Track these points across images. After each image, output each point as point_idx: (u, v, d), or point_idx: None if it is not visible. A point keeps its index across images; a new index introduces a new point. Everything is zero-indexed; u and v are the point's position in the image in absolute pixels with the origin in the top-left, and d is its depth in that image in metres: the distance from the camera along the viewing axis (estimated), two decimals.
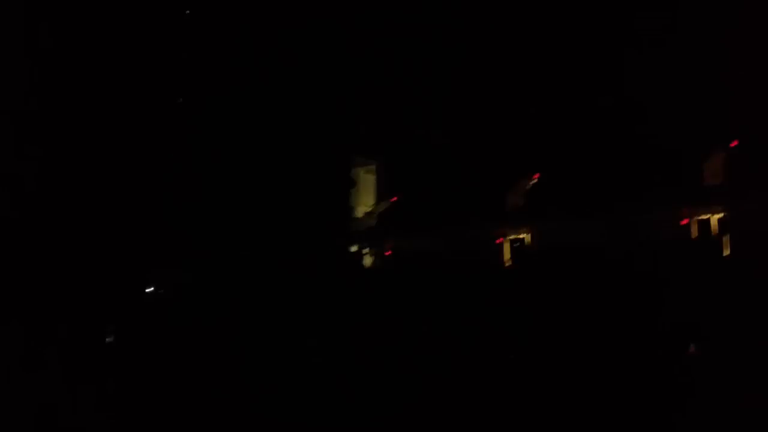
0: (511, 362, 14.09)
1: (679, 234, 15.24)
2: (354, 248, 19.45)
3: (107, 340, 15.02)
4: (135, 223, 16.73)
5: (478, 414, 12.41)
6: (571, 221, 16.51)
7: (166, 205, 17.01)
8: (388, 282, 17.45)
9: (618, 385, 12.40)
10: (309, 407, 12.85)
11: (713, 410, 11.09)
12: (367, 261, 19.43)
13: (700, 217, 15.28)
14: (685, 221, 15.34)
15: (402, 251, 18.91)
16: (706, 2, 15.27)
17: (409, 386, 13.31)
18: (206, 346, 14.48)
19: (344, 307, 15.66)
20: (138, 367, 14.01)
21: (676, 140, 15.34)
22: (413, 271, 17.36)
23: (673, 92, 15.67)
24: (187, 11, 18.04)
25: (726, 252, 14.67)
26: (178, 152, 17.52)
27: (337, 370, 13.98)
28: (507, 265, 17.59)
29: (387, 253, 19.26)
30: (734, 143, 15.02)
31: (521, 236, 17.63)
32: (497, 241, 17.66)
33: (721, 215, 15.11)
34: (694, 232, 15.32)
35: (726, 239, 14.77)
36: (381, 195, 20.23)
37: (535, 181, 17.56)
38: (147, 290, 16.64)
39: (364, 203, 20.35)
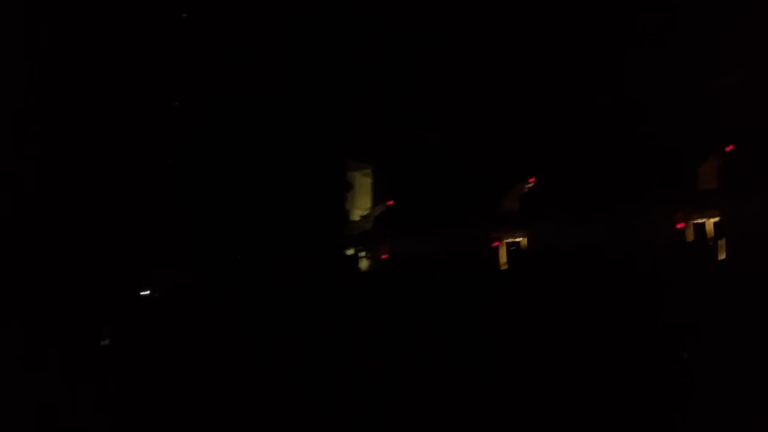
0: (508, 365, 14.09)
1: (675, 238, 15.29)
2: (350, 251, 19.48)
3: (106, 340, 14.99)
4: (133, 224, 16.72)
5: (476, 416, 12.42)
6: (567, 225, 16.54)
7: (164, 206, 17.00)
8: (385, 285, 17.45)
9: (614, 387, 12.42)
10: (306, 409, 12.85)
11: (709, 412, 11.13)
12: (363, 264, 19.44)
13: (696, 221, 15.33)
14: (680, 225, 15.39)
15: (398, 254, 18.93)
16: (701, 5, 15.34)
17: (406, 389, 13.31)
18: (203, 348, 14.47)
19: (340, 310, 15.65)
20: (137, 367, 14.00)
21: (672, 144, 15.39)
22: (409, 275, 17.36)
23: (668, 97, 15.72)
24: (184, 14, 18.04)
25: (722, 256, 14.72)
26: (176, 154, 17.52)
27: (334, 372, 13.98)
28: (503, 268, 17.62)
29: (383, 257, 19.28)
30: (730, 147, 15.08)
31: (517, 239, 17.67)
32: (493, 245, 17.69)
33: (716, 219, 15.17)
34: (690, 235, 15.37)
35: (722, 243, 14.82)
36: (377, 198, 20.27)
37: (531, 184, 17.60)
38: (144, 292, 16.63)
39: (360, 206, 20.38)
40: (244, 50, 18.09)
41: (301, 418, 12.72)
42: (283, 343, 14.74)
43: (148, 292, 16.79)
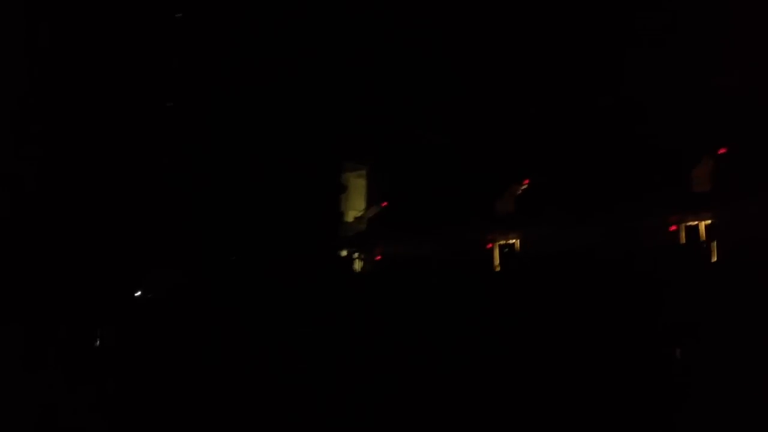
0: (502, 365, 14.11)
1: (668, 240, 15.33)
2: (344, 253, 19.49)
3: (104, 340, 14.99)
4: (130, 224, 16.72)
5: (469, 416, 12.43)
6: (560, 226, 16.56)
7: (160, 207, 17.01)
8: (378, 286, 17.46)
9: (606, 387, 12.44)
10: (300, 407, 12.85)
11: (703, 410, 11.16)
12: (357, 265, 19.45)
13: (689, 224, 15.37)
14: (673, 228, 15.43)
15: (392, 256, 18.93)
16: (693, 8, 15.39)
17: (400, 388, 13.31)
18: (199, 348, 14.47)
19: (335, 310, 15.66)
20: (135, 367, 14.00)
21: (664, 148, 15.43)
22: (403, 276, 17.37)
23: (660, 101, 15.76)
24: (178, 14, 18.03)
25: (714, 258, 14.77)
26: (171, 156, 17.52)
27: (328, 372, 13.98)
28: (496, 269, 17.64)
29: (377, 258, 19.29)
30: (722, 151, 15.12)
31: (511, 241, 17.69)
32: (487, 246, 17.71)
33: (709, 222, 15.21)
34: (683, 238, 15.41)
35: (714, 245, 14.87)
36: (371, 200, 20.28)
37: (525, 186, 17.63)
38: (140, 292, 16.63)
39: (355, 208, 20.40)
40: (240, 52, 18.10)
41: (296, 416, 12.72)
42: (278, 343, 14.74)
43: (143, 292, 16.79)
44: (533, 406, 12.42)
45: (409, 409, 12.76)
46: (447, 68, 18.27)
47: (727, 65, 15.05)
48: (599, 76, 16.71)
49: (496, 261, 17.74)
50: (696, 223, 15.31)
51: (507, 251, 17.69)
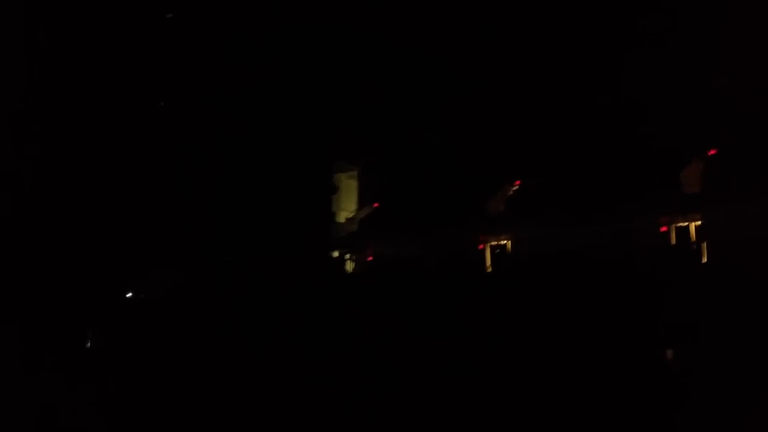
0: (493, 366, 14.14)
1: (659, 241, 15.39)
2: (336, 254, 19.49)
3: (102, 340, 14.97)
4: (125, 225, 16.71)
5: (460, 418, 12.45)
6: (551, 228, 16.61)
7: (152, 208, 16.98)
8: (370, 287, 17.47)
9: (598, 388, 12.47)
10: (295, 409, 12.86)
11: (694, 413, 11.21)
12: (349, 266, 19.46)
13: (679, 225, 15.44)
14: (664, 229, 15.49)
15: (383, 257, 18.95)
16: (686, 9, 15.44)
17: (392, 388, 13.33)
18: (191, 348, 14.47)
19: (326, 312, 15.67)
20: (133, 367, 13.99)
21: (655, 149, 15.48)
22: (394, 277, 17.38)
23: (651, 103, 15.81)
24: (169, 15, 18.00)
25: (704, 259, 14.84)
26: (165, 157, 17.49)
27: (322, 372, 13.99)
28: (488, 270, 17.67)
29: (368, 259, 19.30)
30: (712, 152, 15.19)
31: (502, 242, 17.73)
32: (478, 247, 17.75)
33: (699, 223, 15.29)
34: (673, 239, 15.48)
35: (704, 246, 14.94)
36: (363, 200, 20.29)
37: (517, 188, 17.67)
38: (133, 293, 16.62)
39: (346, 208, 20.40)
40: (229, 53, 18.07)
41: (291, 415, 12.73)
42: (271, 344, 14.74)
43: (136, 293, 16.78)
44: (525, 406, 12.45)
45: (401, 409, 12.78)
46: (439, 68, 18.29)
47: (717, 67, 15.11)
48: (590, 78, 16.76)
49: (488, 262, 17.77)
50: (686, 224, 15.38)
51: (498, 252, 17.73)
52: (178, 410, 12.55)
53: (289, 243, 17.78)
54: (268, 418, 12.70)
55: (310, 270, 17.53)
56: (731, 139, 14.95)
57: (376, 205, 19.81)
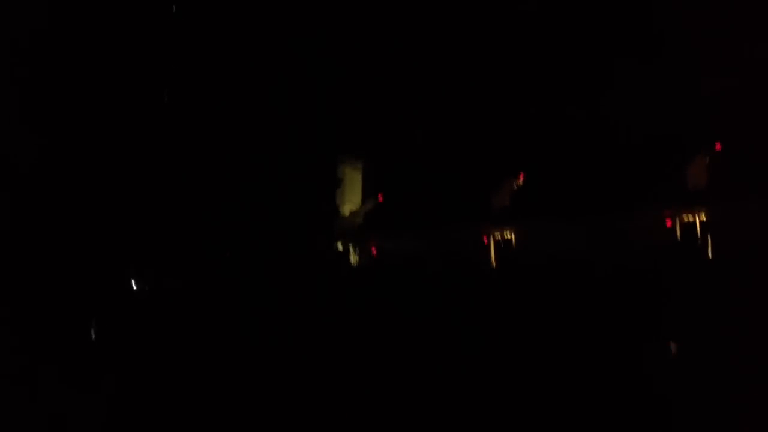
0: (497, 360, 14.16)
1: (664, 236, 15.32)
2: (340, 246, 19.45)
3: (101, 334, 15.00)
4: (123, 216, 16.70)
5: (462, 413, 12.46)
6: (556, 221, 16.56)
7: (152, 202, 16.96)
8: (374, 280, 17.47)
9: (603, 384, 12.47)
10: (296, 403, 12.88)
11: (694, 409, 11.19)
12: (353, 259, 19.42)
13: (685, 220, 15.36)
14: (669, 223, 15.42)
15: (388, 249, 18.92)
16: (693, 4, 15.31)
17: (394, 384, 13.35)
18: (191, 343, 14.50)
19: (329, 305, 15.68)
20: (131, 360, 14.02)
21: (661, 142, 15.40)
22: (399, 269, 17.38)
23: (658, 94, 15.71)
24: (173, 6, 17.94)
25: (709, 254, 14.77)
26: (168, 149, 17.46)
27: (322, 366, 14.02)
28: (492, 263, 17.63)
29: (373, 251, 19.27)
30: (719, 146, 15.09)
31: (507, 235, 17.67)
32: (483, 241, 17.69)
33: (704, 218, 15.20)
34: (678, 233, 15.40)
35: (709, 241, 14.87)
36: (367, 193, 20.22)
37: (522, 181, 17.60)
38: (134, 286, 16.62)
39: (350, 201, 20.33)
40: (234, 46, 18.02)
41: (291, 412, 12.76)
42: (273, 336, 14.77)
43: (139, 285, 16.78)
44: (528, 398, 12.46)
45: (403, 402, 12.80)
46: (445, 60, 18.21)
47: (726, 61, 15.00)
48: (597, 69, 16.66)
49: (492, 255, 17.72)
50: (691, 218, 15.29)
51: (503, 245, 17.67)
52: (182, 399, 12.58)
53: (292, 235, 17.76)
54: (272, 408, 12.72)
55: (314, 262, 17.52)
56: (738, 134, 14.86)
57: (380, 197, 19.75)
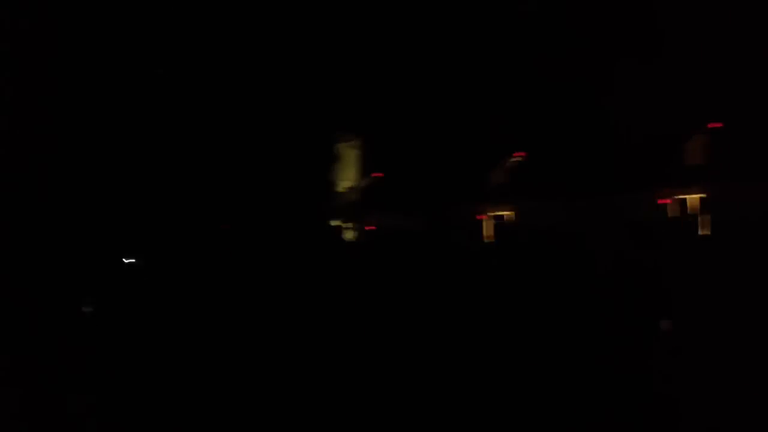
0: (491, 339, 14.15)
1: (659, 213, 15.36)
2: (336, 223, 19.47)
3: (96, 306, 14.97)
4: (121, 192, 16.69)
5: (454, 390, 12.45)
6: (553, 199, 16.58)
7: (146, 174, 16.94)
8: (370, 257, 17.49)
9: (595, 364, 12.47)
10: (288, 381, 12.86)
11: (686, 388, 11.19)
12: (349, 236, 19.45)
13: (680, 197, 15.40)
14: (664, 200, 15.46)
15: (384, 226, 18.94)
16: None
17: (387, 360, 13.34)
18: (187, 317, 14.48)
19: (325, 280, 15.68)
20: (129, 333, 13.99)
21: (657, 120, 15.40)
22: (395, 246, 17.39)
23: (654, 73, 15.70)
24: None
25: (704, 231, 14.81)
26: (165, 123, 17.42)
27: (316, 344, 14.00)
28: (488, 242, 17.66)
29: (369, 228, 19.29)
30: (715, 125, 15.10)
31: (503, 214, 17.70)
32: (479, 218, 17.73)
33: (700, 195, 15.25)
34: (673, 211, 15.44)
35: (704, 219, 14.90)
36: (364, 170, 20.22)
37: (519, 159, 17.62)
38: (127, 259, 16.63)
39: (347, 178, 20.33)
40: (229, 22, 17.94)
41: (287, 393, 12.72)
42: (266, 314, 14.76)
43: (133, 259, 16.79)
44: (521, 378, 12.45)
45: (397, 379, 12.77)
46: (444, 42, 18.19)
47: (709, 45, 14.99)
48: (594, 49, 16.64)
49: (489, 232, 17.75)
50: (687, 196, 15.33)
51: (499, 223, 17.71)
52: (176, 378, 12.54)
53: (289, 211, 17.77)
54: (266, 388, 12.67)
55: (311, 238, 17.53)
56: (736, 113, 14.85)
57: (377, 174, 19.75)
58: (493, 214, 17.73)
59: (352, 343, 13.83)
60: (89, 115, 16.33)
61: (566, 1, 16.88)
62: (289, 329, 14.31)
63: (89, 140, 16.23)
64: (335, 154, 20.06)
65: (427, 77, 18.45)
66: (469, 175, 17.82)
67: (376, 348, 13.66)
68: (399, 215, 18.57)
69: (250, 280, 15.77)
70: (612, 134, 16.29)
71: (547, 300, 14.07)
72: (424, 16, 18.07)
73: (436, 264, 15.91)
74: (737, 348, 11.44)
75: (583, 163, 16.47)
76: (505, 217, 17.69)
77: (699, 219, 15.05)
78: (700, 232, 14.88)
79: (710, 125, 15.07)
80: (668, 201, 15.55)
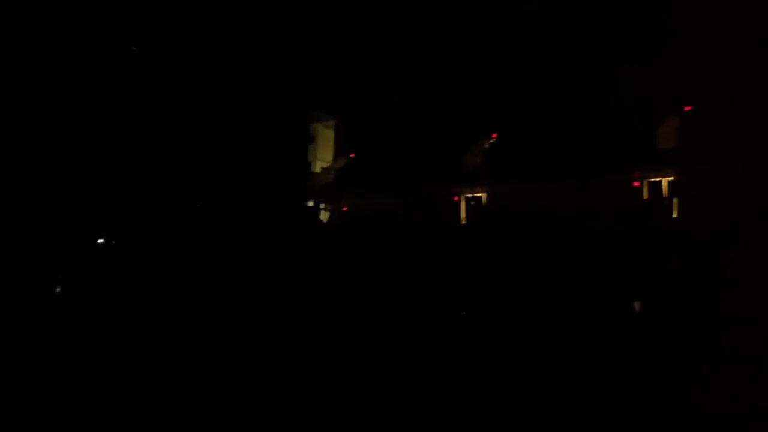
0: (463, 319, 14.23)
1: (631, 196, 15.47)
2: (311, 203, 19.46)
3: (69, 287, 14.86)
4: (96, 170, 16.54)
5: (432, 371, 12.51)
6: (527, 181, 16.65)
7: (124, 153, 16.81)
8: (344, 238, 17.50)
9: (565, 343, 12.56)
10: (268, 365, 12.85)
11: (659, 372, 11.32)
12: (324, 216, 19.45)
13: (652, 180, 15.52)
14: (636, 183, 15.56)
15: (359, 207, 18.96)
16: None
17: (362, 342, 13.37)
18: (164, 299, 14.42)
19: (300, 261, 15.67)
20: (103, 315, 13.91)
21: (630, 104, 15.47)
22: (369, 227, 17.41)
23: (629, 57, 15.76)
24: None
25: (675, 214, 14.95)
26: (142, 107, 17.26)
27: (293, 327, 14.00)
28: (463, 222, 17.73)
29: (344, 209, 19.30)
30: (688, 108, 15.20)
31: (477, 194, 17.76)
32: (454, 199, 17.77)
33: (672, 178, 15.37)
34: (645, 194, 15.56)
35: (676, 202, 15.05)
36: (339, 151, 20.22)
37: (493, 140, 17.65)
38: (101, 239, 16.51)
39: (322, 158, 20.32)
40: (211, 8, 17.77)
41: (269, 377, 12.70)
42: (242, 295, 14.72)
43: (106, 239, 16.67)
44: (493, 359, 12.52)
45: (375, 359, 12.82)
46: (421, 19, 18.15)
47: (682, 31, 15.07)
48: (570, 33, 16.68)
49: (463, 214, 17.81)
50: (659, 179, 15.45)
51: (473, 204, 17.77)
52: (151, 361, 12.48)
53: (264, 192, 17.72)
54: (246, 373, 12.63)
55: (285, 219, 17.50)
56: (709, 96, 14.96)
57: (352, 155, 19.74)
58: (469, 195, 17.79)
59: (331, 324, 13.86)
60: (59, 98, 16.16)
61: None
62: (267, 309, 14.31)
63: (61, 123, 16.06)
64: (311, 134, 20.04)
65: (403, 59, 18.43)
66: (445, 156, 17.84)
67: (355, 328, 13.71)
68: (374, 196, 18.58)
69: (227, 260, 15.73)
70: (585, 117, 16.37)
71: (520, 278, 14.17)
72: (406, 4, 18.04)
73: (411, 244, 15.95)
74: (712, 320, 11.61)
75: (556, 145, 16.54)
76: (479, 197, 17.76)
77: (673, 201, 15.19)
78: (674, 215, 15.02)
79: (684, 108, 15.18)
80: (639, 183, 15.68)
